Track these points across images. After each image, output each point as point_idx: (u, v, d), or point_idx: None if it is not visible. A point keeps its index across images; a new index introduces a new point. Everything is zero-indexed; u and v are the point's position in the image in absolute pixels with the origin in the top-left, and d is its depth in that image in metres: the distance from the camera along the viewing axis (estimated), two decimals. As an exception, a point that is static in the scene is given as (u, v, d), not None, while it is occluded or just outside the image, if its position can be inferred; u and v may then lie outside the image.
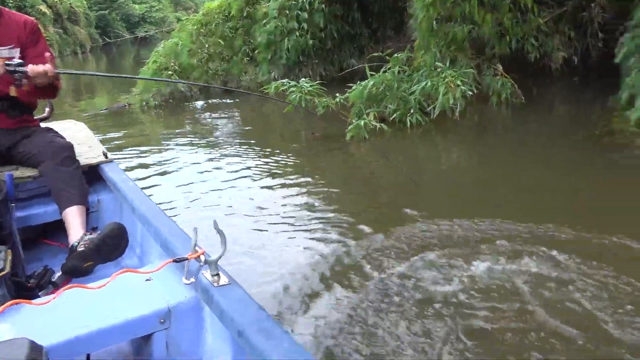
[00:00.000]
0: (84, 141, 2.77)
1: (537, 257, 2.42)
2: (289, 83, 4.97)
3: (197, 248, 1.22)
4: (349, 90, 5.23)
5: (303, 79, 5.00)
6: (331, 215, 3.19)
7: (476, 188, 3.60)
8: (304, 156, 4.60)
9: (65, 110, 9.11)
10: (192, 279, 1.25)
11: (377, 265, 2.47)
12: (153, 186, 4.00)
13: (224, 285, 1.19)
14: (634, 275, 2.19)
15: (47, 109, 3.64)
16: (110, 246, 1.67)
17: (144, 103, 7.92)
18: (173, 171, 4.41)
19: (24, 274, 1.70)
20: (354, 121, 4.94)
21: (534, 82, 6.33)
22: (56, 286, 1.63)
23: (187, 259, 1.22)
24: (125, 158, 4.87)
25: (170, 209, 3.45)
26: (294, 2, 8.13)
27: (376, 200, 3.56)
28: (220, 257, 1.19)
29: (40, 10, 33.59)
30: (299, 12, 8.08)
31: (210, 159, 4.75)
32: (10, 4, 30.99)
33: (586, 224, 2.70)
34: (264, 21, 8.34)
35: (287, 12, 8.11)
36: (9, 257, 1.44)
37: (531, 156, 4.20)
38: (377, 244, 2.70)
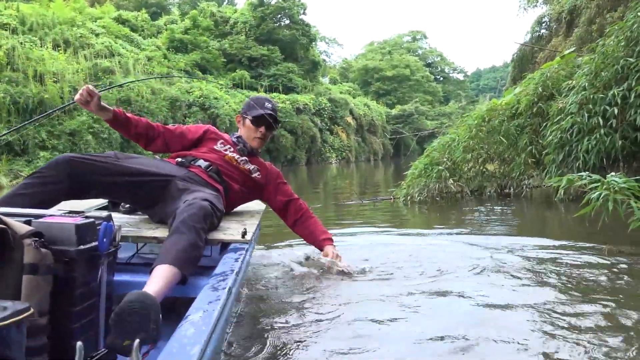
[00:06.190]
0: (243, 219, 2.52)
1: None
2: (589, 177, 3.59)
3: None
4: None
5: (612, 173, 3.56)
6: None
7: None
8: (599, 283, 3.08)
9: (328, 193, 9.42)
10: None
11: None
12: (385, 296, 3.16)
13: None
14: None
15: None
16: (131, 324, 1.18)
17: (408, 197, 7.44)
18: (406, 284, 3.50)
19: (97, 346, 1.36)
20: (695, 239, 3.21)
21: None
22: None
23: None
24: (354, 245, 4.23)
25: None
26: (601, 96, 6.64)
27: None
28: None
29: (347, 121, 39.18)
30: (607, 107, 6.51)
31: (465, 272, 3.66)
32: (326, 114, 37.10)
33: None
34: (558, 118, 7.05)
35: (591, 106, 6.65)
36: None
37: None
38: None
